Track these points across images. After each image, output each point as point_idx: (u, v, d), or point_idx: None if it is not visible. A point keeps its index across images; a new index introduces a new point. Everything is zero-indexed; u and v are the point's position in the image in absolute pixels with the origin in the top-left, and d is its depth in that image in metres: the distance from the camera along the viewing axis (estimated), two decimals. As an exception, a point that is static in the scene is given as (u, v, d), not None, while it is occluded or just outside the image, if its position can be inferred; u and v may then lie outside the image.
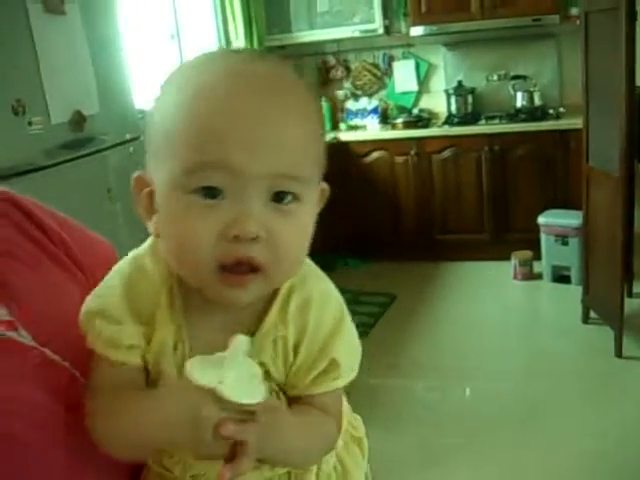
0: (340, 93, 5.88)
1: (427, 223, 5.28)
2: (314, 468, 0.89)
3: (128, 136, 2.87)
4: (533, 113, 5.06)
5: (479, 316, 4.39)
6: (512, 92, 5.24)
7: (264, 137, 0.70)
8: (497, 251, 5.05)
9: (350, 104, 5.82)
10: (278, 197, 0.73)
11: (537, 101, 5.14)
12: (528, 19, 4.91)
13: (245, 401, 0.68)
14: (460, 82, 5.43)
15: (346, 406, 0.99)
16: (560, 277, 4.69)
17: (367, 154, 5.31)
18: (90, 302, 0.82)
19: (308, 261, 0.86)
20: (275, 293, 0.81)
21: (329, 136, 5.37)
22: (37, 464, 0.72)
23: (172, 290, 0.80)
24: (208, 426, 0.68)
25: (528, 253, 4.80)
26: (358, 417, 1.02)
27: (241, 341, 0.72)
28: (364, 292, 4.77)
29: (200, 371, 0.69)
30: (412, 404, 3.43)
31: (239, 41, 5.17)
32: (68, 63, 2.62)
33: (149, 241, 0.84)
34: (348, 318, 0.87)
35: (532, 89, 5.16)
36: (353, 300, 4.62)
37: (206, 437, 0.68)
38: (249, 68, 0.75)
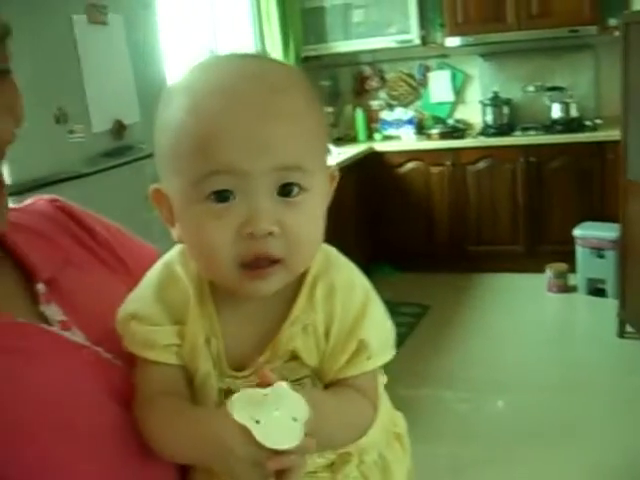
0: (375, 103, 5.89)
1: (461, 234, 5.27)
2: (355, 459, 0.90)
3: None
4: (569, 125, 5.03)
5: (513, 328, 4.36)
6: (548, 103, 5.22)
7: (263, 134, 0.73)
8: (531, 263, 5.02)
9: (385, 114, 5.83)
10: (285, 190, 0.75)
11: (573, 113, 5.10)
12: (565, 30, 4.89)
13: (276, 446, 0.69)
14: (496, 93, 5.41)
15: (387, 402, 1.01)
16: (595, 290, 4.65)
17: (402, 164, 5.31)
18: (125, 306, 0.85)
19: (331, 249, 0.89)
20: (301, 282, 0.83)
21: (364, 146, 5.39)
22: (94, 454, 0.76)
23: (201, 288, 0.83)
24: (239, 462, 0.71)
25: (563, 265, 4.76)
26: (399, 414, 1.03)
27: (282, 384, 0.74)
28: (398, 302, 4.77)
29: (240, 407, 0.71)
30: (444, 415, 3.42)
31: (276, 52, 5.20)
32: (110, 73, 2.67)
33: (178, 248, 0.87)
34: (376, 300, 0.88)
35: (568, 100, 5.13)
36: (387, 310, 4.61)
37: (237, 470, 0.72)
38: (245, 70, 0.77)
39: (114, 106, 2.65)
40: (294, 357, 0.82)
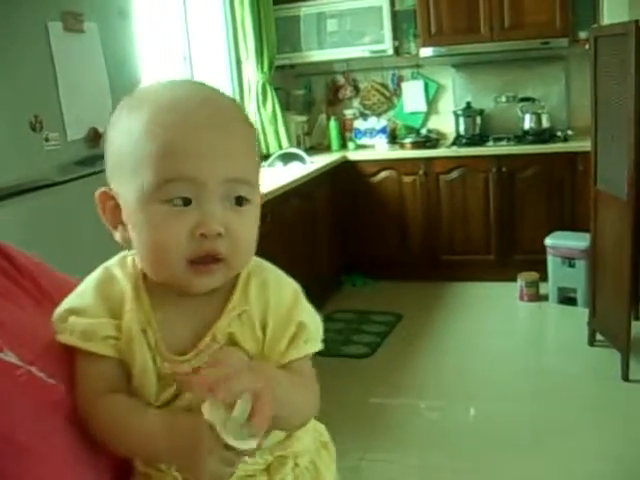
0: (349, 112, 5.91)
1: (434, 243, 5.30)
2: (291, 462, 0.96)
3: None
4: (541, 135, 5.10)
5: (484, 337, 4.39)
6: (520, 114, 5.28)
7: (219, 151, 0.84)
8: (503, 272, 5.06)
9: (359, 123, 5.85)
10: (234, 200, 0.87)
11: (545, 123, 5.18)
12: (537, 42, 4.98)
13: (240, 446, 0.78)
14: (469, 103, 5.47)
15: None
16: (566, 299, 4.70)
17: (375, 174, 5.33)
18: (63, 305, 0.92)
19: (259, 258, 0.98)
20: (236, 280, 0.93)
21: (338, 155, 5.41)
22: (45, 457, 0.81)
23: (137, 286, 0.91)
24: (206, 456, 0.79)
25: (534, 274, 4.81)
26: (322, 425, 1.09)
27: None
28: (371, 311, 4.79)
29: (212, 407, 0.78)
30: (415, 424, 3.42)
31: (250, 60, 5.21)
32: (85, 80, 2.64)
33: (117, 256, 0.95)
34: (303, 296, 0.97)
35: (540, 111, 5.20)
36: (360, 319, 4.64)
37: (203, 465, 0.79)
38: (201, 91, 0.90)
39: (89, 114, 2.62)
40: (232, 342, 0.90)
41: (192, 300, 0.90)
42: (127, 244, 0.90)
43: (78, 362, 0.89)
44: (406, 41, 5.52)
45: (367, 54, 5.47)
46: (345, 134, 5.86)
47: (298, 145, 5.55)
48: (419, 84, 5.71)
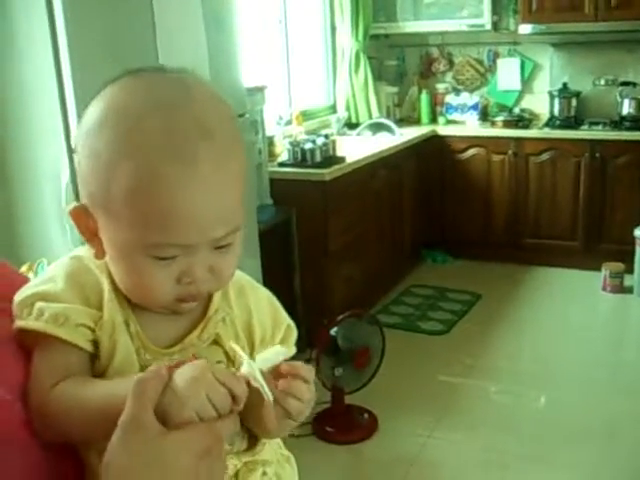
0: (441, 86, 5.83)
1: (519, 225, 5.21)
2: (260, 469, 0.93)
3: (234, 112, 2.91)
4: (639, 122, 4.91)
5: (563, 324, 4.32)
6: (619, 98, 5.11)
7: (211, 215, 0.77)
8: (588, 260, 4.94)
9: (450, 98, 5.76)
10: (221, 246, 0.81)
11: (644, 110, 4.99)
12: (644, 23, 4.77)
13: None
14: (565, 84, 5.32)
15: None
16: (651, 293, 4.57)
17: (464, 150, 5.26)
18: (27, 290, 0.82)
19: None
20: None
21: (427, 129, 5.35)
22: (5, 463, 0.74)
23: (115, 285, 0.84)
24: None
25: (620, 265, 4.68)
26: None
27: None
28: (449, 289, 4.75)
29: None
30: (484, 407, 3.41)
31: (344, 27, 5.18)
32: (183, 36, 2.66)
33: (83, 248, 0.87)
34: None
35: (640, 97, 5.01)
36: (438, 296, 4.60)
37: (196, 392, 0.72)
38: (182, 121, 0.75)
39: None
40: (215, 342, 0.89)
41: None
42: (101, 259, 0.84)
43: (39, 353, 0.79)
44: (505, 16, 5.40)
45: (464, 28, 5.36)
46: (436, 108, 5.79)
47: (387, 116, 5.51)
48: (515, 62, 5.57)
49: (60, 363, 0.79)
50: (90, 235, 0.82)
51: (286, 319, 0.98)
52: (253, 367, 0.78)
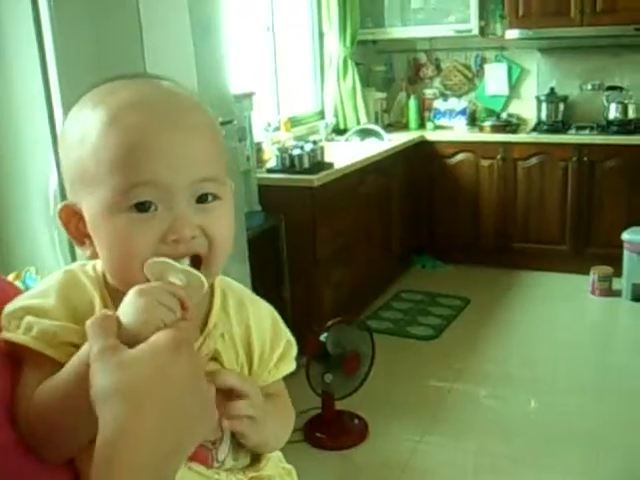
0: (429, 92, 5.84)
1: (507, 230, 5.22)
2: None
3: (221, 119, 2.90)
4: (626, 126, 4.95)
5: (552, 328, 4.33)
6: (605, 103, 5.14)
7: (184, 150, 0.79)
8: (576, 264, 4.96)
9: (438, 103, 5.78)
10: (202, 199, 0.81)
11: (631, 114, 5.02)
12: (630, 28, 4.80)
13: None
14: (552, 89, 5.34)
15: None
16: (640, 296, 4.59)
17: (452, 155, 5.28)
18: (18, 302, 0.82)
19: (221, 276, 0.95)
20: (212, 294, 0.91)
21: (415, 134, 5.37)
22: None
23: (104, 297, 0.84)
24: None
25: (608, 269, 4.70)
26: (279, 452, 1.06)
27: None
28: (439, 294, 4.76)
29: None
30: (475, 411, 3.41)
31: (332, 33, 5.19)
32: (171, 43, 2.66)
33: (77, 263, 0.89)
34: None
35: (627, 101, 5.05)
36: (427, 301, 4.61)
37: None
38: (158, 88, 0.83)
39: (173, 76, 2.65)
40: (213, 358, 0.89)
41: None
42: (97, 259, 0.84)
43: (25, 367, 0.79)
44: (492, 22, 5.42)
45: (451, 33, 5.38)
46: (424, 114, 5.81)
47: (376, 122, 5.53)
48: (502, 67, 5.60)
49: (45, 379, 0.77)
50: (81, 237, 0.84)
51: (286, 334, 0.98)
52: (172, 262, 0.78)
